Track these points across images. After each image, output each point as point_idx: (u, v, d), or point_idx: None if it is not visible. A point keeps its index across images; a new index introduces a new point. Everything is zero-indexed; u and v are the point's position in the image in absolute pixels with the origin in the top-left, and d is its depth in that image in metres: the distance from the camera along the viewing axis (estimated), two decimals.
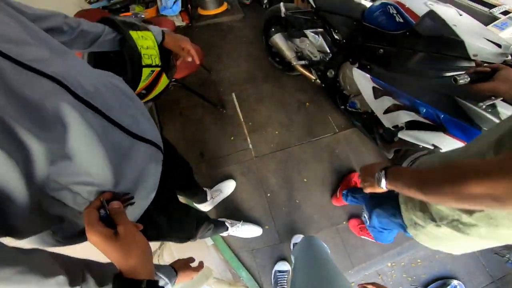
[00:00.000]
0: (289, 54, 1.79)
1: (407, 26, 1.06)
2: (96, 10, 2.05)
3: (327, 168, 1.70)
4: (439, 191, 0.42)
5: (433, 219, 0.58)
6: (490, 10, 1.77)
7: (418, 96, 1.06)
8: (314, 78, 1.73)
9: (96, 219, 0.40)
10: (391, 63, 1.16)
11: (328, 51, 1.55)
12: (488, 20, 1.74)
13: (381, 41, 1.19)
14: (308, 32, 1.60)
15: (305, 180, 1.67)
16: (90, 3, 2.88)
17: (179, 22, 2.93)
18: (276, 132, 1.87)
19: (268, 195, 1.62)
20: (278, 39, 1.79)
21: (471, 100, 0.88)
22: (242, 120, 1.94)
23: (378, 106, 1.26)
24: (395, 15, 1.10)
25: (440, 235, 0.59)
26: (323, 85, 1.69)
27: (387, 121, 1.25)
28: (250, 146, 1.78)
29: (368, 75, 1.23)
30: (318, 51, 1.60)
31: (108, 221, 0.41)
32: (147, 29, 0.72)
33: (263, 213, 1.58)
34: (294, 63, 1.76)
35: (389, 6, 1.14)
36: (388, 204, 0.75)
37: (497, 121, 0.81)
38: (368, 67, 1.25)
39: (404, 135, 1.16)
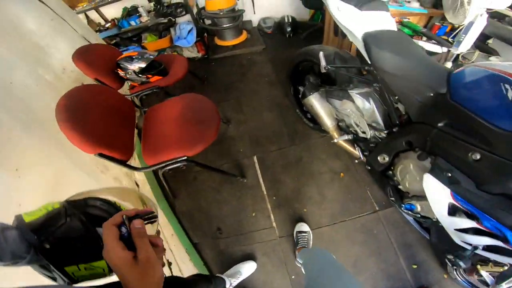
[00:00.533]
0: (328, 122, 1.39)
1: None
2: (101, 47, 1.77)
3: (361, 251, 1.41)
4: None
5: None
6: None
7: None
8: (358, 156, 1.32)
9: (117, 238, 0.37)
10: (491, 178, 0.74)
11: (383, 125, 1.15)
12: None
13: (480, 138, 0.76)
14: (355, 94, 1.20)
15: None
16: (99, 31, 2.68)
17: (194, 53, 2.69)
18: (305, 210, 1.55)
19: (293, 277, 1.37)
20: (315, 101, 1.38)
21: None
22: (265, 193, 1.64)
23: (451, 223, 0.85)
24: None
25: None
26: (369, 168, 1.27)
27: (458, 237, 0.86)
28: (274, 224, 1.52)
29: (447, 189, 0.83)
30: (368, 124, 1.21)
31: (128, 242, 0.37)
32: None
33: None
34: (336, 139, 1.37)
35: (506, 85, 0.70)
36: None
37: None
38: (449, 174, 0.84)
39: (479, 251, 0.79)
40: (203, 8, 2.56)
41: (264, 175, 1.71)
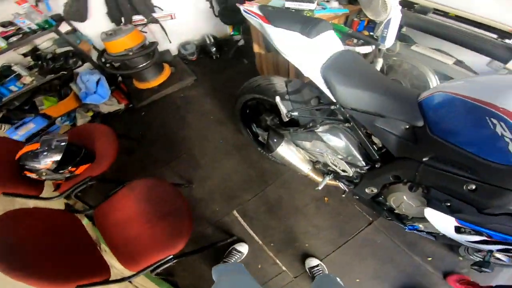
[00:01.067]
0: (304, 169, 1.28)
1: None
2: None
3: (375, 263, 1.42)
4: None
5: None
6: (506, 40, 1.55)
7: None
8: (344, 190, 1.26)
9: None
10: (490, 205, 0.74)
11: (362, 161, 1.09)
12: (508, 54, 1.51)
13: (472, 171, 0.74)
14: (324, 133, 1.10)
15: (357, 280, 1.40)
16: None
17: (115, 106, 2.23)
18: (306, 245, 1.49)
19: None
20: (285, 152, 1.25)
21: None
22: (260, 242, 1.52)
23: (460, 238, 0.86)
24: (508, 140, 0.65)
25: None
26: (357, 197, 1.23)
27: (470, 245, 0.88)
28: (284, 268, 1.43)
29: (452, 218, 0.81)
30: (347, 162, 1.12)
31: None
32: None
33: None
34: (320, 186, 1.27)
35: (493, 120, 0.66)
36: None
37: None
38: (448, 204, 0.82)
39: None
40: (104, 51, 2.10)
41: (252, 226, 1.56)
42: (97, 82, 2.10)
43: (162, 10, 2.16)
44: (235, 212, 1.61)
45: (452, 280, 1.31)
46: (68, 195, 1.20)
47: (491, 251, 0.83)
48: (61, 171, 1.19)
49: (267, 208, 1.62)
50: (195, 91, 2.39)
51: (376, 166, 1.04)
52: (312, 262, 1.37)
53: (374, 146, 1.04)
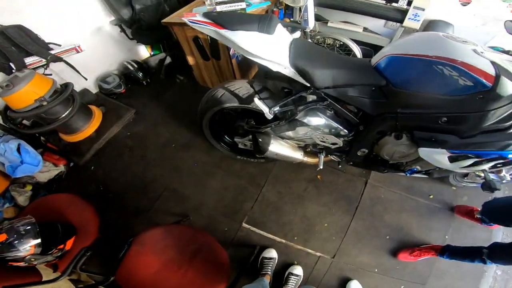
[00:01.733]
0: (298, 156, 1.32)
1: (480, 88, 0.83)
2: None
3: (390, 216, 1.56)
4: None
5: None
6: (394, 4, 1.88)
7: (504, 148, 0.91)
8: (338, 162, 1.37)
9: None
10: (466, 128, 0.92)
11: (346, 130, 1.18)
12: (399, 15, 1.84)
13: (438, 107, 0.91)
14: (306, 118, 1.15)
15: (387, 237, 1.50)
16: None
17: (53, 171, 1.84)
18: (326, 225, 1.55)
19: None
20: (277, 148, 1.26)
21: None
22: (284, 241, 1.50)
23: (455, 166, 1.05)
24: (456, 77, 0.84)
25: None
26: (351, 163, 1.35)
27: (465, 170, 1.09)
28: (318, 254, 1.46)
29: (443, 150, 0.98)
30: (333, 135, 1.20)
31: None
32: None
33: None
34: (320, 166, 1.33)
35: (439, 67, 0.84)
36: None
37: None
38: (433, 139, 0.98)
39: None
40: (8, 109, 1.64)
41: (268, 230, 1.54)
42: (17, 149, 1.64)
43: (59, 45, 1.78)
44: (244, 224, 1.55)
45: (459, 212, 1.52)
46: (71, 271, 1.03)
47: (485, 171, 1.02)
48: (49, 252, 1.08)
49: (272, 208, 1.61)
50: (141, 125, 2.11)
51: (360, 129, 1.15)
52: (295, 270, 1.37)
53: (351, 114, 1.14)
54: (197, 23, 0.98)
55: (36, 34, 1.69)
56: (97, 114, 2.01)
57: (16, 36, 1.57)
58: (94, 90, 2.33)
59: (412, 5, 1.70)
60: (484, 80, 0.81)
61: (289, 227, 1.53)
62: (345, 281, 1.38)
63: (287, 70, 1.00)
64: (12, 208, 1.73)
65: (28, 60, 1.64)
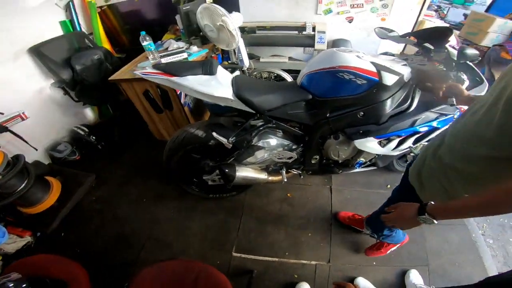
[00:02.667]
0: (263, 177, 1.47)
1: (372, 84, 1.12)
2: None
3: (366, 210, 1.61)
4: (498, 211, 0.56)
5: None
6: (303, 32, 2.33)
7: (413, 124, 1.22)
8: (299, 174, 1.55)
9: None
10: (378, 116, 1.21)
11: (295, 143, 1.40)
12: (310, 40, 2.28)
13: (353, 105, 1.20)
14: (260, 142, 1.35)
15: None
16: None
17: (19, 242, 1.69)
18: (309, 234, 1.66)
19: None
20: (243, 173, 1.40)
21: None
22: (277, 259, 1.56)
23: (387, 150, 1.31)
24: (354, 79, 1.12)
25: None
26: (310, 172, 1.56)
27: (396, 152, 1.35)
28: (313, 262, 1.53)
29: (371, 138, 1.24)
30: (288, 150, 1.39)
31: None
32: None
33: None
34: (284, 180, 1.50)
35: (341, 74, 1.13)
36: None
37: None
38: (361, 131, 1.24)
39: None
40: None
41: (258, 253, 1.59)
42: None
43: (2, 114, 1.71)
44: (235, 253, 1.59)
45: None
46: None
47: (410, 147, 1.30)
48: None
49: (256, 232, 1.68)
50: (105, 188, 2.06)
51: (306, 139, 1.37)
52: (303, 286, 1.40)
53: (295, 128, 1.36)
54: (149, 75, 1.13)
55: None
56: (55, 184, 1.92)
57: None
58: (46, 161, 2.23)
59: (316, 30, 2.16)
60: (371, 77, 1.12)
61: (277, 246, 1.60)
62: (350, 280, 1.43)
63: (234, 102, 1.20)
64: None
65: None
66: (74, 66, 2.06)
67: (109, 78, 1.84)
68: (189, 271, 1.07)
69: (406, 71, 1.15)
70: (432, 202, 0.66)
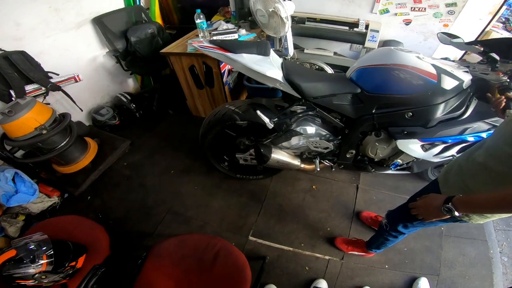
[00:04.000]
0: (296, 163, 1.52)
1: (429, 86, 1.12)
2: None
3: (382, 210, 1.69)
4: None
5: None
6: (355, 29, 2.32)
7: (463, 133, 1.19)
8: (331, 166, 1.58)
9: None
10: (427, 119, 1.20)
11: (333, 134, 1.42)
12: (361, 38, 2.28)
13: (403, 104, 1.20)
14: (299, 128, 1.39)
15: None
16: None
17: (46, 202, 1.85)
18: (328, 229, 1.68)
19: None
20: (278, 156, 1.46)
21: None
22: (291, 249, 1.60)
23: (428, 155, 1.30)
24: (410, 79, 1.13)
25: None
26: (342, 166, 1.57)
27: (437, 159, 1.33)
28: (327, 257, 1.56)
29: (416, 140, 1.23)
30: (326, 140, 1.43)
31: None
32: None
33: None
34: (317, 169, 1.53)
35: (396, 72, 1.14)
36: None
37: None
38: (405, 132, 1.24)
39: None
40: (4, 137, 1.67)
41: (274, 240, 1.64)
42: (13, 179, 1.68)
43: (57, 75, 1.93)
44: (251, 237, 1.65)
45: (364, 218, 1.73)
46: None
47: (453, 156, 1.28)
48: (61, 269, 1.08)
49: (275, 219, 1.74)
50: (138, 154, 2.24)
51: (346, 132, 1.39)
52: (320, 284, 1.41)
53: (336, 120, 1.39)
54: (205, 48, 1.23)
55: (37, 62, 1.85)
56: (93, 146, 2.11)
57: (19, 62, 1.72)
58: (87, 122, 2.47)
59: (369, 28, 2.15)
60: (430, 78, 1.11)
61: (294, 235, 1.65)
62: (357, 282, 1.45)
63: (282, 84, 1.26)
64: (3, 238, 1.70)
65: (28, 88, 1.76)
66: (130, 38, 2.28)
67: (161, 51, 2.00)
68: (210, 247, 1.13)
69: (466, 78, 1.13)
70: (460, 195, 0.71)
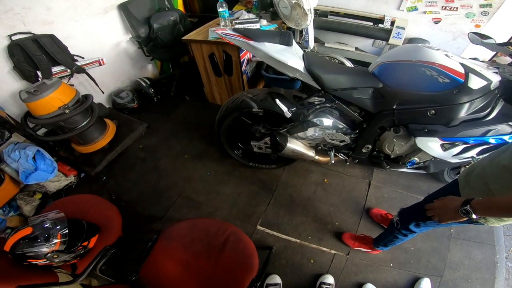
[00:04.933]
0: (311, 154, 1.53)
1: (455, 84, 1.11)
2: None
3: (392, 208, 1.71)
4: None
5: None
6: (380, 25, 2.29)
7: (485, 134, 1.17)
8: (345, 159, 1.58)
9: None
10: (450, 118, 1.18)
11: (350, 128, 1.43)
12: (385, 34, 2.24)
13: (425, 102, 1.18)
14: (316, 119, 1.40)
15: None
16: None
17: (63, 181, 1.96)
18: (337, 224, 1.70)
19: None
20: (294, 145, 1.48)
21: None
22: (298, 241, 1.62)
23: (447, 155, 1.28)
24: (436, 76, 1.12)
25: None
26: (357, 161, 1.57)
27: (456, 160, 1.31)
28: (333, 251, 1.59)
29: (436, 138, 1.22)
30: (342, 133, 1.44)
31: None
32: None
33: None
34: (332, 161, 1.54)
35: (422, 69, 1.13)
36: None
37: None
38: (426, 130, 1.23)
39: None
40: (29, 115, 1.75)
41: (282, 231, 1.67)
42: (33, 157, 1.77)
43: (82, 58, 2.03)
44: (259, 226, 1.69)
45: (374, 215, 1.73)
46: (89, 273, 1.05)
47: (473, 157, 1.25)
48: (73, 249, 1.08)
49: (285, 210, 1.76)
50: (153, 137, 2.32)
51: (364, 126, 1.39)
52: (327, 279, 1.42)
53: (355, 113, 1.39)
54: (228, 36, 1.26)
55: (65, 45, 1.96)
56: (111, 127, 2.21)
57: (47, 45, 1.82)
58: (107, 104, 2.57)
59: (395, 25, 2.11)
60: (457, 77, 1.10)
61: (302, 227, 1.67)
62: (361, 278, 1.47)
63: (302, 75, 1.27)
64: (17, 217, 1.80)
65: (54, 70, 1.87)
66: (152, 25, 2.35)
67: (183, 38, 2.05)
68: (221, 231, 1.17)
69: (495, 79, 1.10)
70: (479, 198, 0.71)
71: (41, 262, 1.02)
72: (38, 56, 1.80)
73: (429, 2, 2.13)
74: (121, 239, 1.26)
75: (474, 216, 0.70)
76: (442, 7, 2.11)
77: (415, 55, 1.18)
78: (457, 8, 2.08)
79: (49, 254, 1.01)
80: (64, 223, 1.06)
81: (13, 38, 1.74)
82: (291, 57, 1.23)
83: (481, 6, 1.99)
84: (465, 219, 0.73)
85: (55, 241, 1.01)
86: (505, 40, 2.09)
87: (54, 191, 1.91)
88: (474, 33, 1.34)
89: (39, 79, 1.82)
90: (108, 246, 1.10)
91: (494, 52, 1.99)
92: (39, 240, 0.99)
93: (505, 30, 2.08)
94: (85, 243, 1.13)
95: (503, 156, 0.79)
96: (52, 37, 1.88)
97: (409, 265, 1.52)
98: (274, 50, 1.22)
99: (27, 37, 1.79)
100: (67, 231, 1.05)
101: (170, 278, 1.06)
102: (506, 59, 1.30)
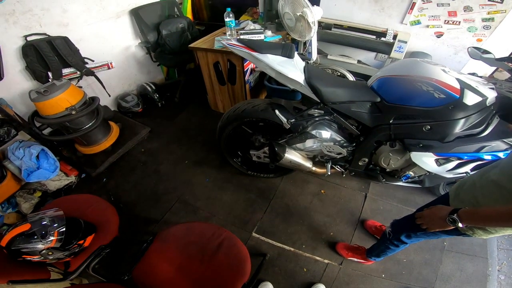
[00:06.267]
0: (308, 165, 1.57)
1: (450, 100, 1.14)
2: None
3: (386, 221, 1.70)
4: None
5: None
6: (382, 38, 2.34)
7: (480, 150, 1.19)
8: (341, 172, 1.61)
9: None
10: (445, 134, 1.21)
11: (347, 141, 1.46)
12: (387, 48, 2.29)
13: (421, 117, 1.21)
14: (315, 131, 1.44)
15: None
16: None
17: (63, 180, 2.01)
18: (331, 234, 1.72)
19: None
20: (292, 156, 1.52)
21: None
22: (292, 249, 1.65)
23: (442, 170, 1.30)
24: (432, 91, 1.15)
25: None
26: (353, 173, 1.60)
27: (451, 175, 1.33)
28: (326, 261, 1.60)
29: (430, 153, 1.24)
30: (340, 145, 1.47)
31: None
32: None
33: None
34: (328, 173, 1.57)
35: (419, 84, 1.16)
36: None
37: None
38: (421, 145, 1.26)
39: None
40: (36, 114, 1.82)
41: (277, 239, 1.69)
42: (37, 156, 1.83)
43: (92, 61, 2.11)
44: (254, 233, 1.71)
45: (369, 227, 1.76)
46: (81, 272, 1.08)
47: (467, 173, 1.28)
48: (68, 247, 1.09)
49: (280, 218, 1.79)
50: (155, 142, 2.38)
51: (361, 139, 1.42)
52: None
53: (353, 127, 1.43)
54: (233, 46, 1.32)
55: (77, 48, 2.05)
56: (115, 129, 2.28)
57: (60, 47, 1.91)
58: (112, 107, 2.65)
59: (397, 38, 2.16)
60: (452, 93, 1.13)
61: (297, 236, 1.69)
62: None
63: (303, 87, 1.31)
64: (15, 214, 1.84)
65: (65, 71, 1.95)
66: (161, 31, 2.44)
67: (190, 45, 2.12)
68: (215, 236, 1.19)
69: (491, 95, 1.13)
70: (466, 208, 0.75)
71: (35, 258, 1.03)
72: (50, 57, 1.89)
73: (432, 16, 2.18)
74: (117, 239, 1.28)
75: (460, 225, 0.73)
76: (445, 21, 2.15)
77: (413, 69, 1.21)
78: (459, 22, 2.12)
79: (44, 251, 1.02)
80: (62, 221, 1.08)
81: (28, 38, 1.83)
82: (292, 69, 1.27)
83: (484, 20, 2.02)
84: (452, 227, 0.77)
85: (51, 238, 1.03)
86: (506, 55, 2.12)
87: (54, 190, 1.96)
88: (474, 47, 1.38)
89: (50, 79, 1.91)
90: (103, 246, 1.14)
91: (495, 67, 2.02)
92: (35, 237, 1.00)
93: (506, 44, 2.11)
94: (81, 242, 1.15)
95: (493, 172, 0.82)
96: (65, 39, 1.97)
97: (400, 277, 1.52)
98: (276, 62, 1.27)
99: (41, 38, 1.88)
100: (64, 229, 1.07)
101: (163, 279, 1.08)
102: (505, 75, 1.32)
